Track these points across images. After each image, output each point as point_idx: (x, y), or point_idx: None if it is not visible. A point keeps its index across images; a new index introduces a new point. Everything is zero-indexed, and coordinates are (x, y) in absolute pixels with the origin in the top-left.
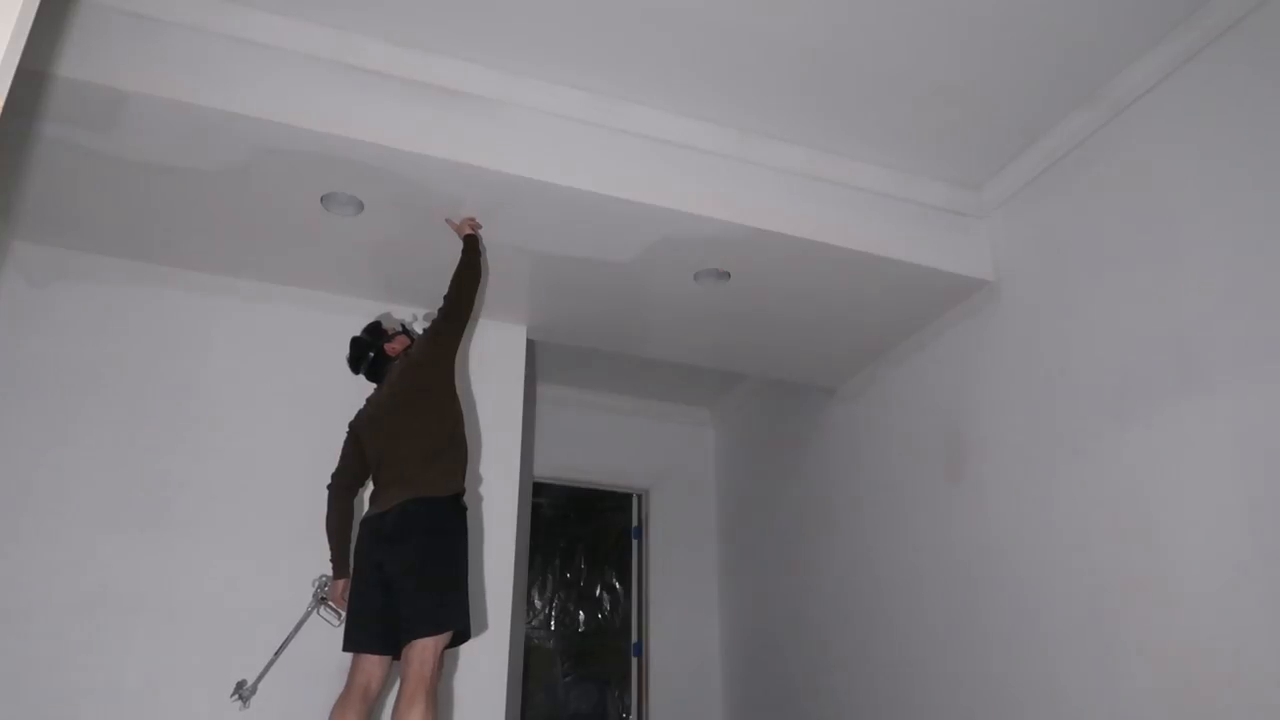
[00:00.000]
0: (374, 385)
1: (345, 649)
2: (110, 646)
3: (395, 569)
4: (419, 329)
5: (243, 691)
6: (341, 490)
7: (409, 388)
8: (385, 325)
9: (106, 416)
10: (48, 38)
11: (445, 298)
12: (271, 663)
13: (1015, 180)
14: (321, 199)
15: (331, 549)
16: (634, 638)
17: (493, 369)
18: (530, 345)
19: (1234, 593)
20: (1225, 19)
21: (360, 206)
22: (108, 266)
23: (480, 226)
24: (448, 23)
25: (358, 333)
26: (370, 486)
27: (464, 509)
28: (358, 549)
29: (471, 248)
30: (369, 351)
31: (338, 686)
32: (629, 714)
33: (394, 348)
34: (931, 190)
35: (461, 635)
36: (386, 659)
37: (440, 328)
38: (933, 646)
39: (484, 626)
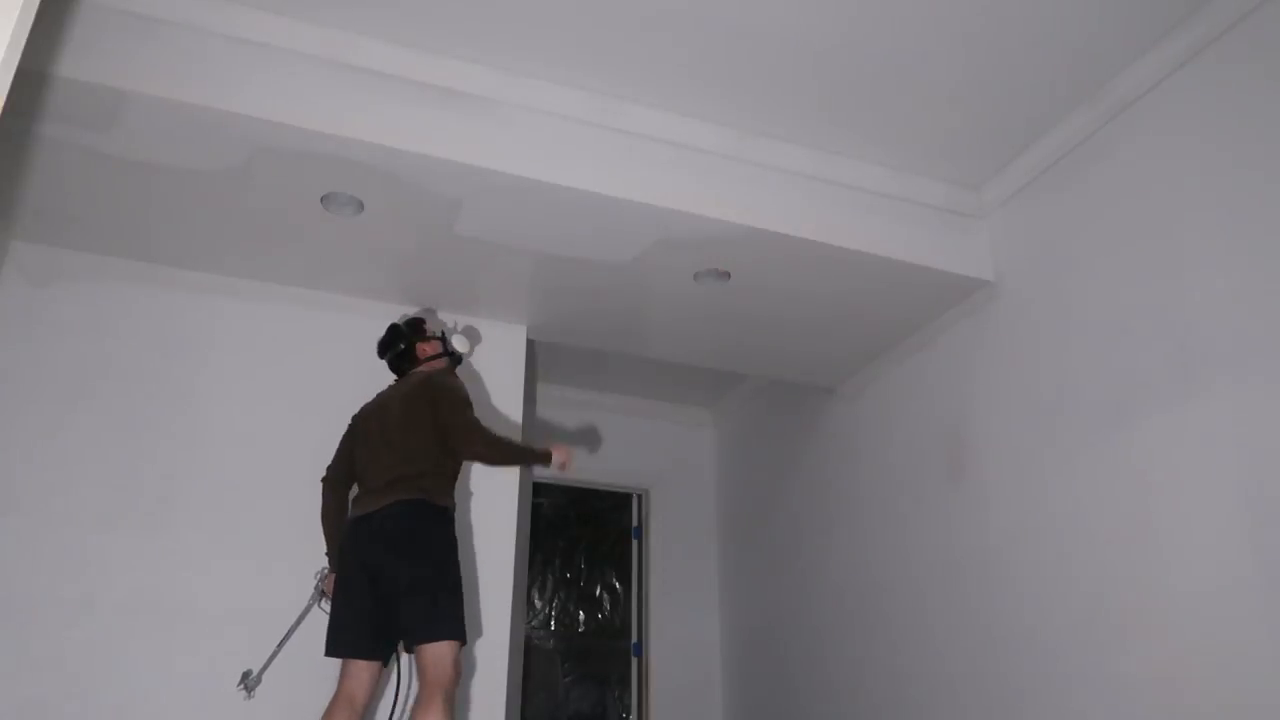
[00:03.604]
0: (385, 379)
1: (328, 654)
2: (110, 646)
3: (390, 573)
4: (457, 344)
5: (248, 681)
6: (337, 483)
7: (421, 412)
8: (427, 324)
9: (106, 416)
10: (48, 38)
11: (487, 442)
12: (275, 654)
13: (1015, 180)
14: (321, 199)
15: (328, 542)
16: (634, 638)
17: (493, 369)
18: (530, 345)
19: (1232, 591)
20: (1225, 19)
21: (360, 206)
22: (108, 266)
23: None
24: (448, 23)
25: (395, 323)
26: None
27: (451, 518)
28: (343, 550)
29: (537, 458)
30: (401, 343)
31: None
32: (629, 714)
33: (425, 350)
34: (931, 190)
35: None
36: (375, 665)
37: (472, 434)
38: (933, 645)
39: (479, 632)
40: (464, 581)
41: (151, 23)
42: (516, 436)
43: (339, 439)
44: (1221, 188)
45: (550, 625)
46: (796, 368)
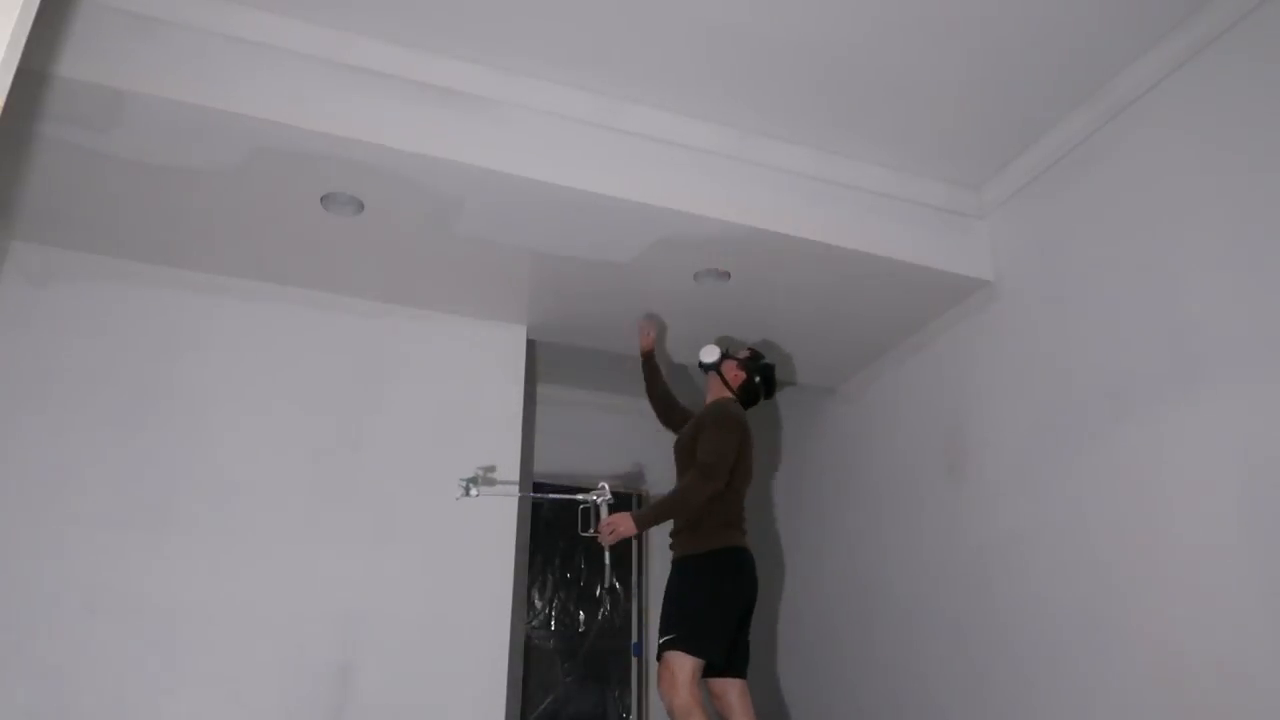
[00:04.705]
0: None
1: (705, 676)
2: (110, 647)
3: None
4: (737, 358)
5: (469, 488)
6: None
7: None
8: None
9: (107, 417)
10: (48, 38)
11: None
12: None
13: (1015, 180)
14: (321, 199)
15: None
16: (634, 638)
17: (493, 369)
18: (530, 345)
19: (1231, 587)
20: (1225, 19)
21: (360, 206)
22: (108, 266)
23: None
24: (448, 23)
25: (766, 361)
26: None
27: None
28: (742, 581)
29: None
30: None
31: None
32: (629, 714)
33: (737, 377)
34: (931, 190)
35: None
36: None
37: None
38: (934, 644)
39: (479, 632)
40: (464, 582)
41: (151, 23)
42: (515, 436)
43: (338, 438)
44: (1221, 187)
45: (550, 625)
46: (796, 368)
